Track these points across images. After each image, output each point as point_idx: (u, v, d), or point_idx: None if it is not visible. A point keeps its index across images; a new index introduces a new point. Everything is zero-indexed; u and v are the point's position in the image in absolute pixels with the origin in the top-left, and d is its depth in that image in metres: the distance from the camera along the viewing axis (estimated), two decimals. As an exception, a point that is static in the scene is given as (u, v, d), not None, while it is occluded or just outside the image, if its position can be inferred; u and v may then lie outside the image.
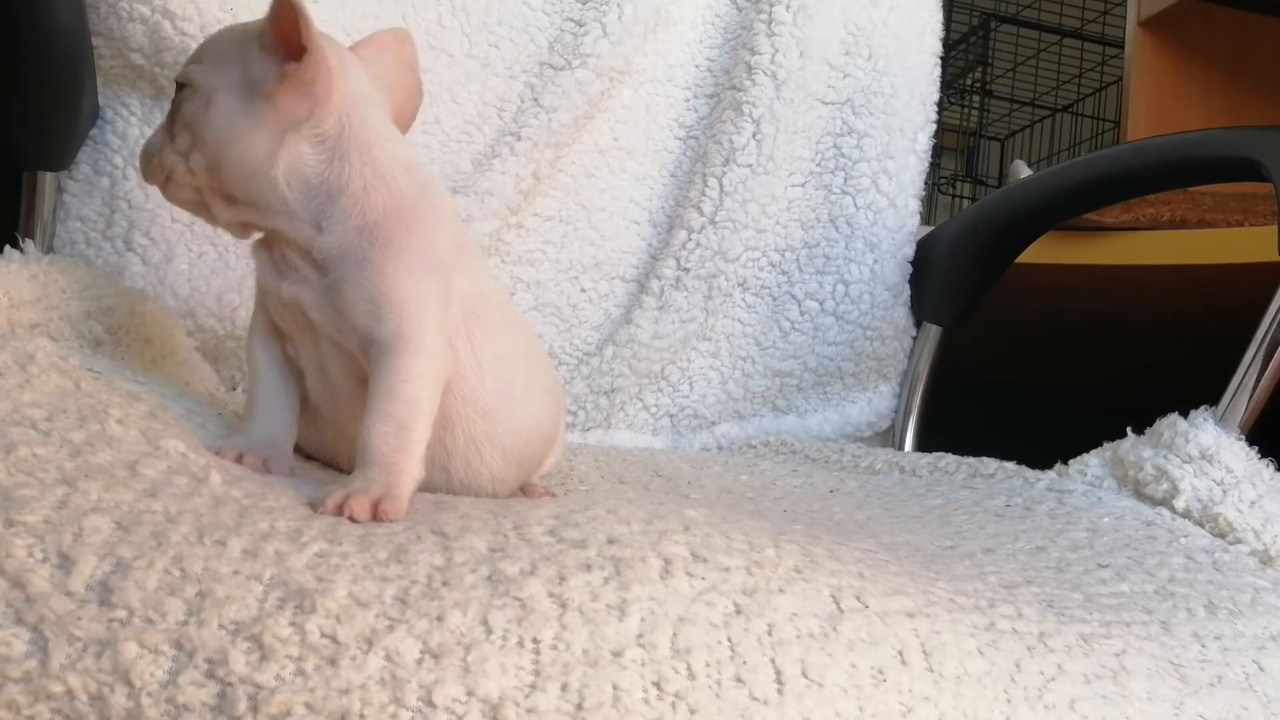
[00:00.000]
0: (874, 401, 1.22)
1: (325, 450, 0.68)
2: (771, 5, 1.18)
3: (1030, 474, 0.92)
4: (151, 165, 0.64)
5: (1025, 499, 0.85)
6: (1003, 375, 1.54)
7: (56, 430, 0.49)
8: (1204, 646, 0.58)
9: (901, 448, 1.21)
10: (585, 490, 0.85)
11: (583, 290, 1.17)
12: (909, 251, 1.21)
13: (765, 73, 1.17)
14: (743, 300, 1.19)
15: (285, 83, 0.60)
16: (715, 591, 0.48)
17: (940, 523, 0.79)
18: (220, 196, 0.63)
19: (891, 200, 1.20)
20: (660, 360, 1.16)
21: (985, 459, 0.97)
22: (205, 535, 0.44)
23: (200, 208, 0.65)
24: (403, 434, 0.57)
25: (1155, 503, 0.83)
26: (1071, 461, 0.90)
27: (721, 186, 1.16)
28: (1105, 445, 0.91)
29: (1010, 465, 0.94)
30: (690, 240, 1.16)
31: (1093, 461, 0.89)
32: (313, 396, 0.65)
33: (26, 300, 0.65)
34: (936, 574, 0.60)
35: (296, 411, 0.65)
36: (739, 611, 0.47)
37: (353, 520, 0.51)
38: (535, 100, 1.12)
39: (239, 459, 0.57)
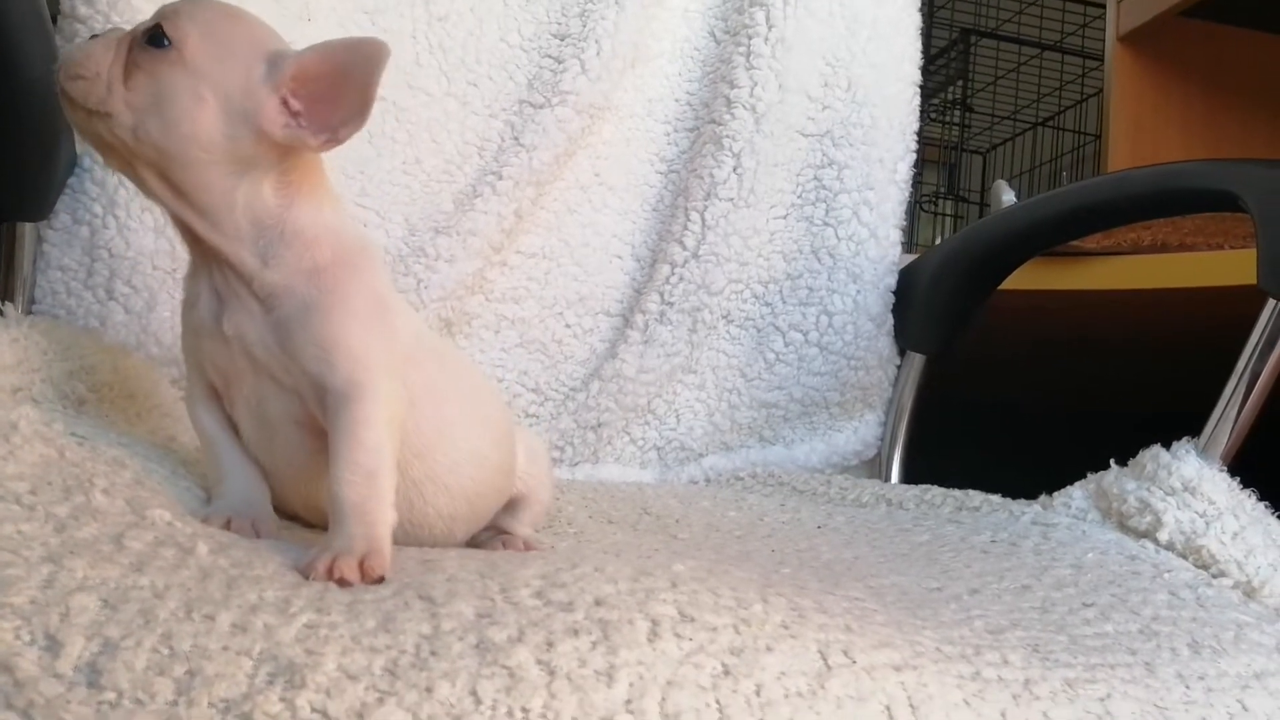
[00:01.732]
0: (860, 430, 1.22)
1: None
2: (750, 38, 1.19)
3: (1015, 507, 0.92)
4: (89, 87, 0.58)
5: (1011, 534, 0.85)
6: (986, 396, 1.55)
7: (41, 504, 0.49)
8: (1188, 688, 0.58)
9: (888, 476, 1.22)
10: (574, 533, 0.85)
11: (567, 326, 1.17)
12: (891, 281, 1.22)
13: (745, 106, 1.18)
14: (727, 333, 1.20)
15: (287, 140, 0.60)
16: (703, 653, 0.48)
17: (927, 561, 0.79)
18: (159, 177, 0.60)
19: (873, 231, 1.21)
20: (646, 394, 1.16)
21: (971, 492, 0.97)
22: (193, 610, 0.45)
23: (118, 159, 0.61)
24: (372, 481, 0.57)
25: (1139, 535, 0.83)
26: (1056, 494, 0.91)
27: (703, 220, 1.17)
28: (1089, 476, 0.91)
29: (995, 498, 0.95)
30: (673, 274, 1.17)
31: (1076, 494, 0.90)
32: (249, 444, 0.64)
33: (8, 364, 0.65)
34: (923, 620, 0.60)
35: (261, 468, 0.64)
36: (727, 672, 0.47)
37: (343, 584, 0.51)
38: (515, 139, 1.13)
39: (227, 525, 0.57)
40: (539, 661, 0.45)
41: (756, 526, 0.92)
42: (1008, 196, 1.81)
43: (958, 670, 0.53)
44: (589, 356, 1.18)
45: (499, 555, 0.64)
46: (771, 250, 1.20)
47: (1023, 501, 0.94)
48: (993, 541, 0.84)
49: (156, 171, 0.60)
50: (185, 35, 0.59)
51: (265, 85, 0.59)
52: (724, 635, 0.49)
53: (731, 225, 1.17)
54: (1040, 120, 2.92)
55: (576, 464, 1.16)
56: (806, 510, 0.98)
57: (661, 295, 1.17)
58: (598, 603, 0.50)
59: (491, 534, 0.75)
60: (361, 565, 0.53)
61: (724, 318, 1.19)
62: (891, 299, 1.22)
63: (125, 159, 0.60)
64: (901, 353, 1.23)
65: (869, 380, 1.21)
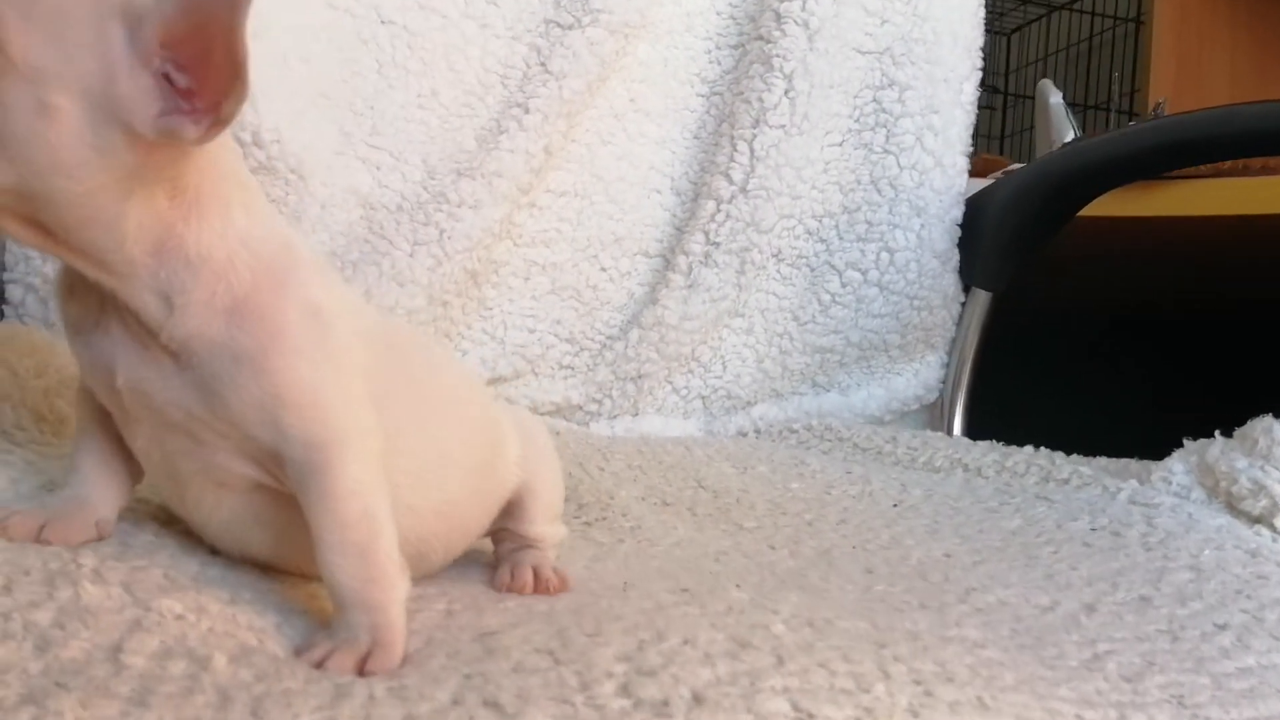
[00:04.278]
0: (921, 373, 1.14)
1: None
2: (800, -56, 1.07)
3: (1109, 480, 0.84)
4: None
5: (1111, 519, 0.77)
6: (1052, 336, 1.45)
7: (18, 611, 0.40)
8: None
9: (951, 422, 1.13)
10: (630, 528, 0.76)
11: (603, 269, 1.07)
12: (957, 214, 1.12)
13: (796, 21, 1.06)
14: (778, 273, 1.10)
15: (161, 134, 0.42)
16: (828, 768, 0.40)
17: (1027, 561, 0.71)
18: (23, 223, 0.44)
19: (938, 159, 1.10)
20: (690, 341, 1.07)
21: (1056, 457, 0.89)
22: (213, 755, 0.36)
23: None
24: (368, 559, 0.46)
25: (1252, 519, 0.76)
26: (1154, 467, 0.83)
27: (752, 150, 1.06)
28: (1188, 445, 0.83)
29: (1085, 469, 0.86)
30: (719, 211, 1.06)
31: (1177, 468, 0.82)
32: (154, 488, 0.52)
33: (-18, 393, 0.56)
34: (1052, 669, 0.53)
35: (128, 470, 0.52)
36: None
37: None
38: (543, 65, 1.01)
39: (39, 532, 0.47)
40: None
41: (826, 505, 0.84)
42: (1055, 99, 1.73)
43: (1110, 752, 0.45)
44: (627, 302, 1.08)
45: (568, 620, 0.53)
46: (827, 182, 1.09)
47: (1113, 465, 0.86)
48: (1092, 530, 0.76)
49: (19, 217, 0.43)
50: (11, 33, 0.40)
51: (130, 59, 0.41)
52: (848, 737, 0.41)
53: (783, 155, 1.06)
54: (1069, 2, 2.81)
55: (615, 417, 1.08)
56: (877, 479, 0.89)
57: (706, 234, 1.06)
58: (697, 700, 0.42)
59: (511, 547, 0.64)
60: (362, 665, 0.44)
61: (775, 257, 1.09)
62: (958, 233, 1.12)
63: None
64: (965, 289, 1.13)
65: (932, 320, 1.12)
